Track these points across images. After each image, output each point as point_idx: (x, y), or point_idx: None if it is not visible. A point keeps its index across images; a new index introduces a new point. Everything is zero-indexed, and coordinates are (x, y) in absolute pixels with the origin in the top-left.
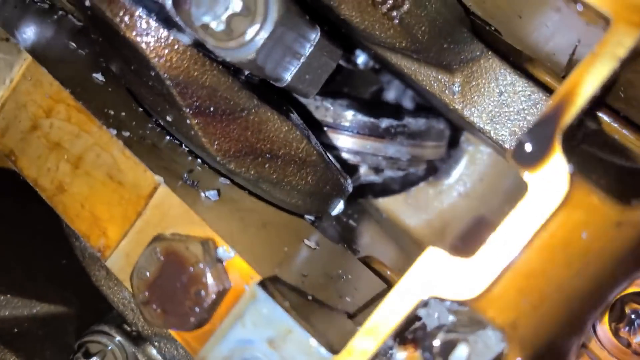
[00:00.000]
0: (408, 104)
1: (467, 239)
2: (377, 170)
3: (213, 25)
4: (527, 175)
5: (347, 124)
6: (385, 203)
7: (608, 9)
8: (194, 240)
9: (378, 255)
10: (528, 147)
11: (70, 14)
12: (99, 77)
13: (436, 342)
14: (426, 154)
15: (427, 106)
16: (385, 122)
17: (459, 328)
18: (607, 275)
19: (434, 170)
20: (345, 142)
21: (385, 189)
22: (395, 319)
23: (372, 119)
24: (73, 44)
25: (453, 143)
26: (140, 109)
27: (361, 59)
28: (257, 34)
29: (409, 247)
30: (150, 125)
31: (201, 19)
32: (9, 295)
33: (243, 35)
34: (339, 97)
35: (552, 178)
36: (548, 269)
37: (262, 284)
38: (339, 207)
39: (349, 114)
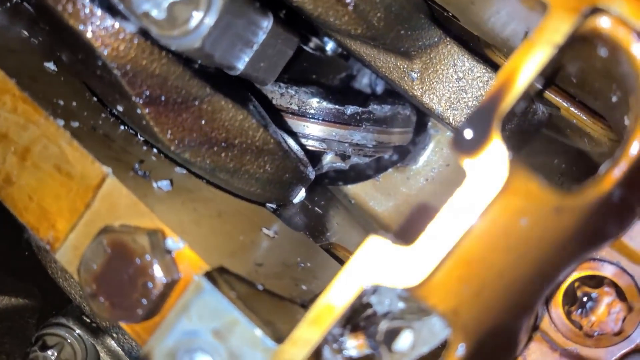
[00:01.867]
0: (379, 90)
1: (412, 226)
2: (343, 157)
3: (154, 13)
4: (466, 163)
5: (312, 111)
6: (354, 189)
7: None
8: (141, 232)
9: (345, 242)
10: (468, 134)
11: (25, 2)
12: (50, 66)
13: (381, 329)
14: (392, 140)
15: (395, 92)
16: (350, 109)
17: (405, 315)
18: (550, 260)
19: (402, 156)
20: (311, 130)
21: (354, 176)
22: (339, 307)
23: (337, 106)
24: (26, 33)
25: (420, 129)
26: (95, 99)
27: (330, 45)
28: (201, 22)
29: (377, 232)
30: (104, 115)
31: (142, 6)
32: None
33: (187, 23)
34: (305, 84)
35: (491, 164)
36: (488, 256)
37: (209, 274)
38: (300, 194)
39: (314, 101)
